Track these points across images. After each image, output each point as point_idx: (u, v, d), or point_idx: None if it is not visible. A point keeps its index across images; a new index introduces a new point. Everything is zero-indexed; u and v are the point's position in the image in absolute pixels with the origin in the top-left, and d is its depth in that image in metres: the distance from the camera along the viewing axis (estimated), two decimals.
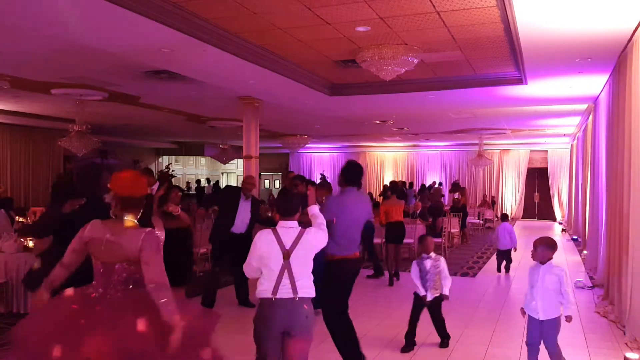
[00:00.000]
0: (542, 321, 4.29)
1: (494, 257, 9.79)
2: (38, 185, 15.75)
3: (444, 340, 5.32)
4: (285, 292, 3.32)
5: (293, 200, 3.53)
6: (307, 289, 3.40)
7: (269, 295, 3.32)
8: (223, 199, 7.00)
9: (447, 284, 5.24)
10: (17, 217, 9.75)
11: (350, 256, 4.47)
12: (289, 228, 3.42)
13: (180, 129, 16.37)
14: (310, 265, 3.45)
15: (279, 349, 3.37)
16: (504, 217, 10.12)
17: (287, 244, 3.35)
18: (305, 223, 3.57)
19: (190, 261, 6.06)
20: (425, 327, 5.49)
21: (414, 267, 5.26)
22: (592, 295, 7.60)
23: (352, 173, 4.61)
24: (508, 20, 5.70)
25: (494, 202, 19.75)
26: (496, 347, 5.36)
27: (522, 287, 8.31)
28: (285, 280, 3.32)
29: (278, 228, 3.42)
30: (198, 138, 19.84)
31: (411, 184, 20.12)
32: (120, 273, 2.85)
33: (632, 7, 4.97)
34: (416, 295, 5.26)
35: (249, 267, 3.44)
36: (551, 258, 4.33)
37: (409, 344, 5.20)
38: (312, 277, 3.45)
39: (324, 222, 3.61)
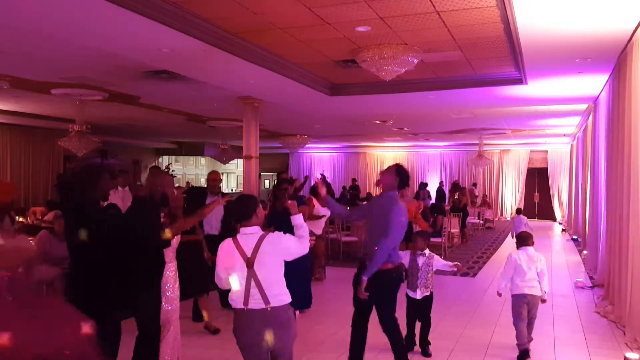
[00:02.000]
0: None
1: (495, 256, 10.23)
2: (38, 185, 15.75)
3: (425, 348, 5.10)
4: (256, 302, 3.15)
5: (245, 203, 3.33)
6: (280, 296, 3.20)
7: (241, 305, 3.17)
8: (188, 202, 6.52)
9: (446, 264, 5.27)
10: (17, 217, 9.75)
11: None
12: (248, 234, 3.24)
13: (180, 129, 16.36)
14: (279, 271, 3.25)
15: (266, 353, 3.24)
16: (519, 210, 12.72)
17: (249, 252, 3.17)
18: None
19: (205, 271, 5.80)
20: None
21: (406, 256, 5.16)
22: (592, 295, 7.60)
23: (407, 175, 4.41)
24: (508, 20, 5.70)
25: (483, 198, 19.67)
26: (496, 347, 5.36)
27: None
28: (254, 290, 3.13)
29: (238, 236, 3.25)
30: (198, 138, 19.84)
31: (425, 184, 20.08)
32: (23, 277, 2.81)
33: (632, 7, 4.97)
34: (407, 296, 5.19)
35: (219, 279, 3.30)
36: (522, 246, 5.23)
37: (409, 344, 5.18)
38: (284, 282, 3.26)
39: (306, 233, 3.41)
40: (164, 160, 22.99)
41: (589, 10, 5.06)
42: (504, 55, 7.40)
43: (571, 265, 10.38)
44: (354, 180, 21.02)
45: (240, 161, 15.87)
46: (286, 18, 5.94)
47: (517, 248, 5.24)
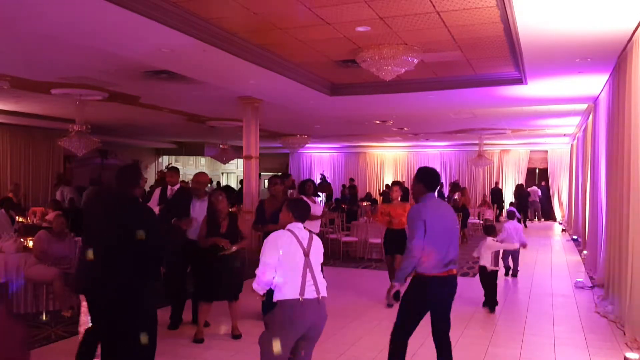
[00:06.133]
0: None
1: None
2: (38, 185, 15.75)
3: (493, 306, 6.83)
4: (310, 292, 3.34)
5: (307, 207, 3.66)
6: (325, 288, 3.46)
7: (296, 296, 3.29)
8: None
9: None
10: (17, 217, 9.75)
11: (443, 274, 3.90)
12: (300, 229, 3.50)
13: (180, 129, 16.36)
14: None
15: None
16: (512, 204, 14.97)
17: (305, 243, 3.42)
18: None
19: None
20: (421, 334, 5.49)
21: (492, 242, 7.05)
22: (592, 295, 7.60)
23: (434, 176, 4.04)
24: (508, 20, 5.70)
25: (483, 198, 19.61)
26: (496, 347, 5.36)
27: (522, 287, 8.33)
28: (309, 280, 3.35)
29: (292, 229, 3.47)
30: (198, 138, 19.84)
31: (441, 184, 19.88)
32: None
33: (632, 7, 4.97)
34: (484, 268, 6.92)
35: (266, 267, 3.32)
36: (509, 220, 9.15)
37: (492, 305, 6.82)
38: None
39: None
40: (164, 160, 22.99)
41: (589, 10, 5.06)
42: (504, 55, 7.40)
43: (571, 265, 10.38)
44: (351, 180, 21.02)
45: (240, 161, 15.86)
46: (286, 18, 5.94)
47: (509, 219, 9.03)
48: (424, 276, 3.83)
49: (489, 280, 6.98)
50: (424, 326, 5.81)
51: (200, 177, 6.38)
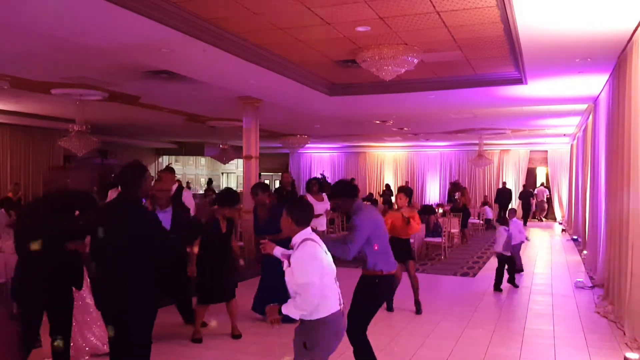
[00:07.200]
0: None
1: (494, 257, 10.65)
2: (38, 185, 15.74)
3: (514, 283, 8.14)
4: (341, 299, 3.17)
5: (307, 208, 3.27)
6: None
7: (338, 307, 3.11)
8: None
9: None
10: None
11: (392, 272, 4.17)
12: (317, 237, 3.20)
13: (180, 129, 16.36)
14: None
15: None
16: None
17: (324, 249, 3.21)
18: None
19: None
20: (421, 334, 5.49)
21: (504, 232, 8.05)
22: (592, 295, 7.60)
23: (350, 186, 4.32)
24: (508, 20, 5.70)
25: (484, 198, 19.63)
26: (496, 347, 5.35)
27: (522, 287, 8.32)
28: (338, 287, 3.18)
29: (312, 237, 3.14)
30: (198, 138, 19.84)
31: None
32: None
33: (632, 7, 4.97)
34: (502, 255, 7.97)
35: (314, 289, 2.97)
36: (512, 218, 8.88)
37: (497, 286, 7.89)
38: None
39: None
40: (164, 160, 22.99)
41: (589, 10, 5.06)
42: (504, 55, 7.40)
43: (571, 265, 10.38)
44: (352, 180, 21.00)
45: (240, 161, 15.86)
46: (286, 18, 5.94)
47: (510, 219, 8.67)
48: (387, 275, 4.06)
49: (508, 262, 8.09)
50: (424, 326, 5.84)
51: (163, 184, 5.49)
